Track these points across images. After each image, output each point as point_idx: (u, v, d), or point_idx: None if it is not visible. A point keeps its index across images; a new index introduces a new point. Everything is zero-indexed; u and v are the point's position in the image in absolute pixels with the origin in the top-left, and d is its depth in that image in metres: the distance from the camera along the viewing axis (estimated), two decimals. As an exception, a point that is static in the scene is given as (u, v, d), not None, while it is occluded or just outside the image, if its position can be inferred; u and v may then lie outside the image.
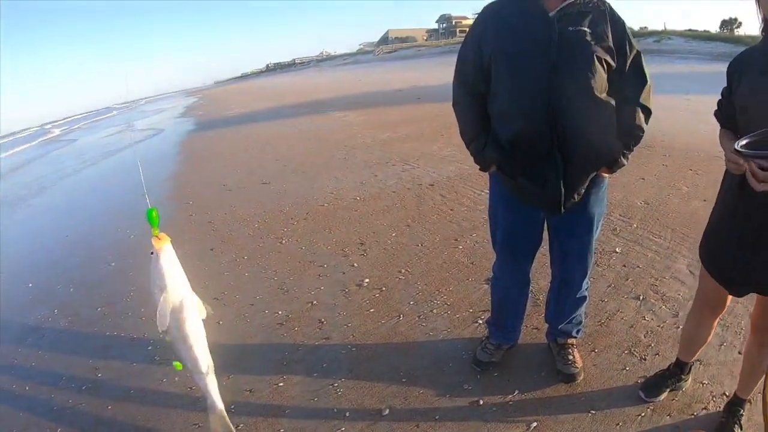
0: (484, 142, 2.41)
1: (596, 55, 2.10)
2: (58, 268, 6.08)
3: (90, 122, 48.06)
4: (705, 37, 30.29)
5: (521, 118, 2.22)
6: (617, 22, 2.16)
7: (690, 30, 35.28)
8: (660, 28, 37.23)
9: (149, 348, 3.79)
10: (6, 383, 3.79)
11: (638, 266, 3.84)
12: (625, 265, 3.87)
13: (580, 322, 2.83)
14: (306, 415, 2.84)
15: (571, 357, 2.77)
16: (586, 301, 2.78)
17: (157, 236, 2.11)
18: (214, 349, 3.50)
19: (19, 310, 5.07)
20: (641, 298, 3.42)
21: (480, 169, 2.54)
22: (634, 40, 2.20)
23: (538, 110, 2.17)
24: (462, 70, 2.45)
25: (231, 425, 2.46)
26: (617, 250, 4.11)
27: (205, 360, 2.30)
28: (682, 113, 9.40)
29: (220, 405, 2.39)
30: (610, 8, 2.18)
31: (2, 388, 3.75)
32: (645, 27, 40.61)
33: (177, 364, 2.27)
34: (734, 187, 1.90)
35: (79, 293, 5.17)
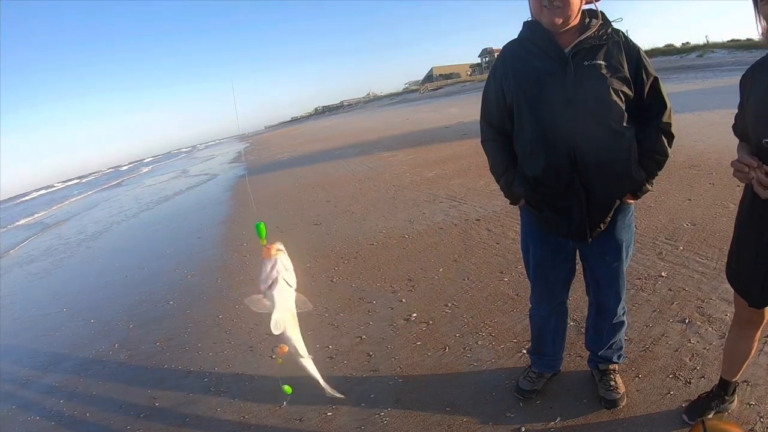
0: (513, 178, 2.49)
1: (612, 88, 2.15)
2: (119, 306, 6.44)
3: (153, 167, 49.90)
4: (748, 45, 29.48)
5: (543, 155, 2.30)
6: (631, 51, 2.21)
7: (733, 40, 34.48)
8: (702, 41, 36.59)
9: (205, 379, 3.99)
10: (68, 409, 4.10)
11: (684, 289, 3.80)
12: (670, 289, 3.84)
13: (621, 348, 2.84)
14: (353, 443, 2.92)
15: (613, 383, 2.77)
16: (625, 327, 2.78)
17: (264, 246, 2.10)
18: (269, 382, 3.67)
19: (82, 344, 5.43)
20: (687, 321, 3.38)
21: (510, 203, 2.64)
22: (650, 66, 2.24)
23: (559, 146, 2.24)
24: (487, 109, 2.55)
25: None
26: (663, 274, 4.08)
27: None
28: (729, 129, 9.24)
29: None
30: (625, 37, 2.23)
31: (65, 413, 4.06)
32: (687, 42, 39.79)
33: (287, 388, 2.28)
34: (747, 198, 1.94)
35: (138, 329, 5.47)
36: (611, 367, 2.84)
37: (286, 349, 2.28)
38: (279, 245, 2.09)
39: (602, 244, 2.47)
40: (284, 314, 2.17)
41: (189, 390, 3.90)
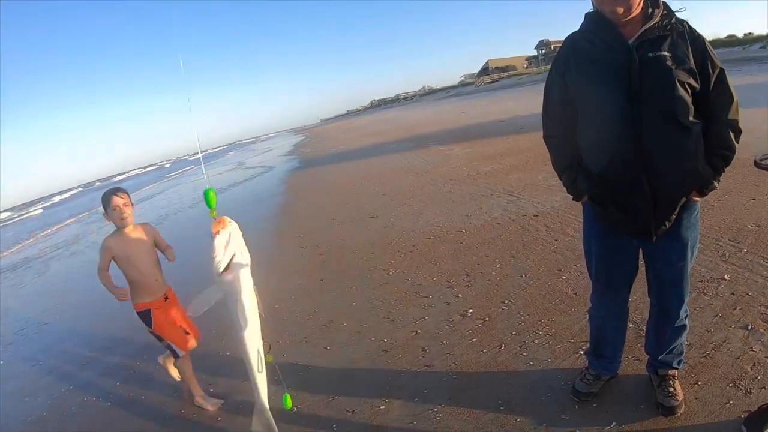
0: (576, 174, 2.49)
1: (678, 80, 2.11)
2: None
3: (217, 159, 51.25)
4: (815, 35, 28.21)
5: (608, 150, 2.28)
6: (697, 41, 2.17)
7: (798, 30, 33.02)
8: (766, 32, 35.15)
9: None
10: (124, 391, 4.34)
11: (748, 294, 3.69)
12: (733, 293, 3.73)
13: (681, 353, 2.78)
14: (404, 438, 2.97)
15: (671, 389, 2.72)
16: (686, 331, 2.72)
17: (215, 219, 2.18)
18: (323, 373, 3.71)
19: (140, 329, 5.58)
20: (749, 327, 3.29)
21: (573, 199, 2.61)
22: (716, 57, 2.19)
23: (624, 141, 2.22)
24: (549, 103, 2.55)
25: (274, 426, 2.57)
26: (726, 277, 3.97)
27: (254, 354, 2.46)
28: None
29: (265, 404, 2.55)
30: (689, 27, 2.19)
31: (120, 395, 4.30)
32: (750, 33, 38.19)
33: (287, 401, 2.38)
34: None
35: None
36: (670, 372, 2.79)
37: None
38: (229, 219, 2.11)
39: (667, 244, 2.42)
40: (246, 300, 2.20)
41: (241, 377, 3.97)
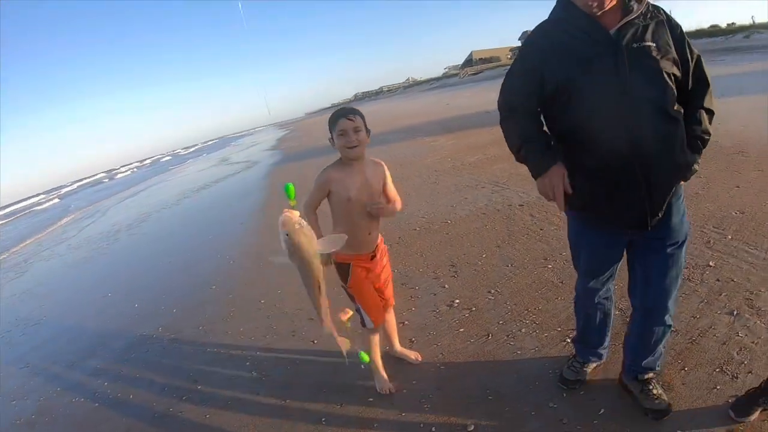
0: (541, 143, 2.36)
1: (665, 71, 2.07)
2: (162, 291, 6.65)
3: (198, 154, 51.04)
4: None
5: (600, 146, 2.19)
6: (675, 29, 2.13)
7: (780, 20, 33.08)
8: (748, 22, 35.25)
9: (247, 363, 4.10)
10: (112, 391, 4.26)
11: (733, 280, 3.71)
12: (718, 280, 3.75)
13: (661, 354, 2.69)
14: (394, 429, 2.97)
15: (655, 391, 2.64)
16: (670, 330, 2.64)
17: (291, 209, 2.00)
18: (311, 367, 3.71)
19: (126, 328, 5.62)
20: (735, 313, 3.31)
21: (533, 175, 2.39)
22: (692, 44, 2.16)
23: (616, 133, 2.13)
24: (510, 97, 2.43)
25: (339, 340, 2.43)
26: (710, 264, 3.99)
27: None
28: (777, 113, 8.68)
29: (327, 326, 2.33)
30: (667, 15, 2.14)
31: (108, 395, 4.22)
32: (732, 23, 38.28)
33: (363, 356, 2.53)
34: None
35: (181, 314, 5.63)
36: (651, 376, 2.70)
37: (350, 313, 2.39)
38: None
39: (659, 232, 2.35)
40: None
41: (231, 373, 4.02)
